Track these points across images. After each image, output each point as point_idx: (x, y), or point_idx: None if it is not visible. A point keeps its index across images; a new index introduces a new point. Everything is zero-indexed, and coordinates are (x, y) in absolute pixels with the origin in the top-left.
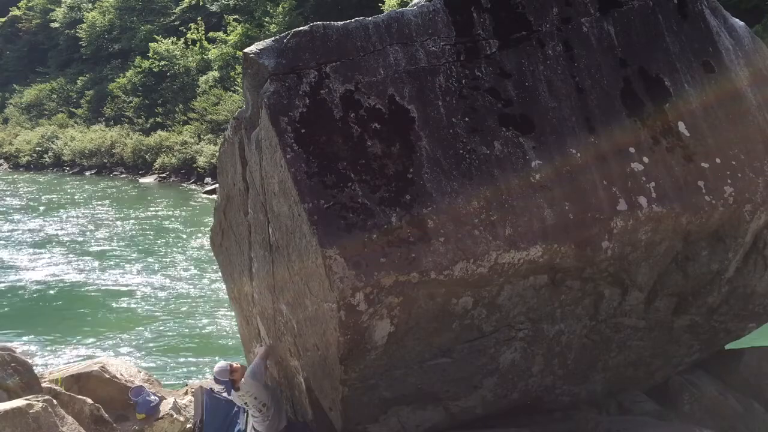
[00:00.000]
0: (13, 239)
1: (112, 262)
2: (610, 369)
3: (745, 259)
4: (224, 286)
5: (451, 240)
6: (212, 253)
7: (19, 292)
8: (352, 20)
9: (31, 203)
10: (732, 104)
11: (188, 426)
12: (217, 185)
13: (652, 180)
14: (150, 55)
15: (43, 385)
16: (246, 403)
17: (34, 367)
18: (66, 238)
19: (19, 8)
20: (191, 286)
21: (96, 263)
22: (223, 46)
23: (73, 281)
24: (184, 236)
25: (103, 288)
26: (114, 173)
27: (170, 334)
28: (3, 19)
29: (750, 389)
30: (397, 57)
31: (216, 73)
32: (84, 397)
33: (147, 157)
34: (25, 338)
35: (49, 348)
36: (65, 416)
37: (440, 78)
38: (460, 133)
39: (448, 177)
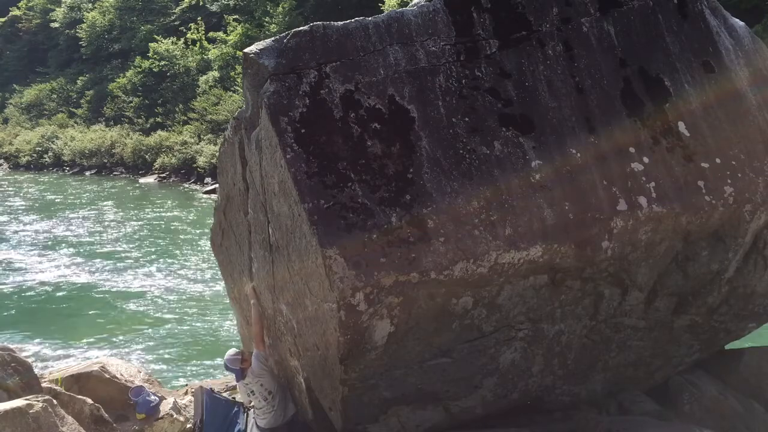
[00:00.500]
0: (13, 239)
1: (111, 262)
2: (610, 369)
3: (745, 259)
4: (224, 286)
5: (451, 240)
6: (212, 253)
7: (19, 292)
8: (352, 20)
9: (32, 203)
10: (732, 104)
11: (188, 426)
12: (217, 185)
13: (652, 180)
14: (150, 55)
15: (43, 385)
16: (252, 392)
17: (34, 367)
18: (65, 239)
19: (19, 8)
20: (191, 286)
21: (96, 263)
22: (223, 46)
23: (73, 281)
24: (184, 236)
25: (103, 288)
26: (114, 173)
27: (170, 334)
28: (3, 19)
29: (750, 389)
30: (397, 57)
31: (216, 73)
32: (84, 397)
33: (147, 157)
34: (25, 338)
35: (49, 348)
36: (65, 416)
37: (440, 78)
38: (460, 133)
39: (448, 177)
